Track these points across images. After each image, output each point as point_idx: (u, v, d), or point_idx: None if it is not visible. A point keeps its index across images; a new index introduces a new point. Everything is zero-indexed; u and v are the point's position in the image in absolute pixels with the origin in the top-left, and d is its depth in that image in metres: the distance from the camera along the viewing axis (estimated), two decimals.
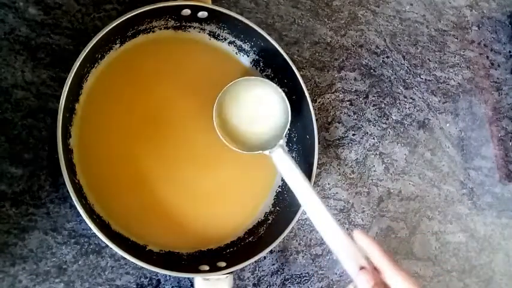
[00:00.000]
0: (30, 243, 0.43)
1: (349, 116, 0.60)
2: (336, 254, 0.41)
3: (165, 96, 0.49)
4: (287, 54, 0.51)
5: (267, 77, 0.54)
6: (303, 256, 0.54)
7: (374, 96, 0.62)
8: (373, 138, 0.61)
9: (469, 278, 0.65)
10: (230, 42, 0.53)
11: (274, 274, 0.53)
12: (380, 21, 0.65)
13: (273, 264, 0.53)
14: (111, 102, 0.47)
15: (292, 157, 0.54)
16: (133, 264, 0.46)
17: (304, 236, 0.55)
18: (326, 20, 0.61)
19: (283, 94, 0.50)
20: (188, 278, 0.48)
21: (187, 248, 0.48)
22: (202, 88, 0.51)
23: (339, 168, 0.58)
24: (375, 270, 0.38)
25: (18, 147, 0.43)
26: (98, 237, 0.39)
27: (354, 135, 0.60)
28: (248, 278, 0.51)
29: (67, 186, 0.39)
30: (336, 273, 0.56)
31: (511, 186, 0.70)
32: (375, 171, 0.61)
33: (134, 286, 0.46)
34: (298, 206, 0.48)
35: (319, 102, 0.59)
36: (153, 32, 0.49)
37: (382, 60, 0.64)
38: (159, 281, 0.47)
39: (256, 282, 0.52)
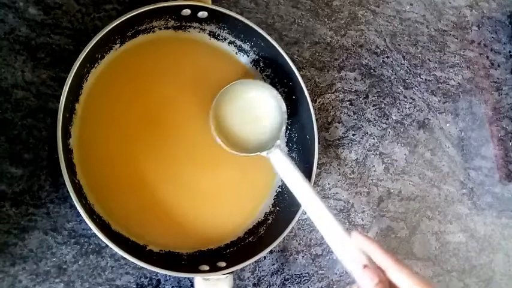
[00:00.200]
0: (30, 243, 0.43)
1: (349, 116, 0.60)
2: (337, 253, 0.41)
3: (165, 96, 0.49)
4: (287, 54, 0.51)
5: (267, 76, 0.54)
6: (303, 256, 0.54)
7: (374, 96, 0.62)
8: (373, 138, 0.61)
9: (469, 278, 0.65)
10: (230, 42, 0.53)
11: (274, 274, 0.53)
12: (380, 21, 0.65)
13: (273, 264, 0.53)
14: (111, 102, 0.47)
15: (292, 157, 0.54)
16: (133, 264, 0.46)
17: (304, 236, 0.55)
18: (326, 20, 0.61)
19: (279, 95, 0.50)
20: (188, 278, 0.48)
21: (187, 248, 0.48)
22: (203, 88, 0.51)
23: (339, 168, 0.58)
24: (378, 269, 0.38)
25: (18, 147, 0.43)
26: (98, 237, 0.39)
27: (354, 135, 0.60)
28: (248, 278, 0.51)
29: (67, 186, 0.39)
30: (336, 273, 0.56)
31: (511, 186, 0.70)
32: (375, 171, 0.61)
33: (134, 286, 0.46)
34: (298, 206, 0.48)
35: (319, 102, 0.59)
36: (153, 32, 0.49)
37: (382, 60, 0.64)
38: (159, 281, 0.47)
39: (256, 282, 0.52)
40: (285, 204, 0.52)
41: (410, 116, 0.64)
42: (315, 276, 0.55)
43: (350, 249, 0.40)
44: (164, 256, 0.46)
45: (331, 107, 0.59)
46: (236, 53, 0.54)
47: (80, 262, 0.44)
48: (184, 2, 0.47)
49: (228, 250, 0.49)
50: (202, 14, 0.49)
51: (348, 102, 0.61)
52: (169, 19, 0.49)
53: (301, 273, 0.54)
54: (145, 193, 0.47)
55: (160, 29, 0.49)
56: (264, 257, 0.52)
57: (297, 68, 0.51)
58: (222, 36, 0.53)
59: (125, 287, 0.46)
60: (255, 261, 0.49)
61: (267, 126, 0.51)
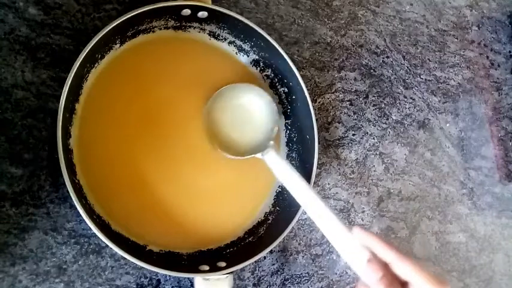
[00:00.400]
0: (30, 243, 0.42)
1: (349, 116, 0.60)
2: (340, 251, 0.41)
3: (165, 96, 0.49)
4: (287, 54, 0.51)
5: (267, 77, 0.54)
6: (303, 256, 0.54)
7: (374, 96, 0.62)
8: (373, 138, 0.61)
9: (469, 278, 0.65)
10: (230, 42, 0.53)
11: (274, 274, 0.53)
12: (380, 21, 0.65)
13: (273, 264, 0.53)
14: (111, 102, 0.47)
15: (292, 157, 0.54)
16: (133, 264, 0.46)
17: (304, 236, 0.55)
18: (326, 20, 0.61)
19: (269, 96, 0.51)
20: (188, 278, 0.48)
21: (187, 248, 0.48)
22: (203, 88, 0.51)
23: (339, 168, 0.58)
24: (382, 263, 0.37)
25: (18, 147, 0.43)
26: (98, 237, 0.39)
27: (354, 135, 0.60)
28: (248, 278, 0.51)
29: (67, 186, 0.39)
30: (336, 273, 0.56)
31: (511, 186, 0.70)
32: (375, 171, 0.61)
33: (134, 286, 0.46)
34: (298, 206, 0.47)
35: (319, 102, 0.59)
36: (153, 32, 0.49)
37: (382, 60, 0.64)
38: (159, 281, 0.47)
39: (256, 282, 0.52)
40: (285, 204, 0.52)
41: (410, 116, 0.64)
42: (315, 276, 0.55)
43: (352, 246, 0.40)
44: (164, 256, 0.46)
45: (331, 107, 0.59)
46: (236, 53, 0.54)
47: (80, 262, 0.44)
48: (184, 2, 0.47)
49: (228, 250, 0.49)
50: (202, 14, 0.49)
51: (348, 102, 0.61)
52: (169, 19, 0.49)
53: (301, 273, 0.54)
54: (145, 193, 0.47)
55: (160, 29, 0.49)
56: (264, 257, 0.52)
57: (297, 68, 0.51)
58: (222, 36, 0.53)
59: (125, 287, 0.46)
60: (255, 261, 0.49)
61: (261, 128, 0.51)
